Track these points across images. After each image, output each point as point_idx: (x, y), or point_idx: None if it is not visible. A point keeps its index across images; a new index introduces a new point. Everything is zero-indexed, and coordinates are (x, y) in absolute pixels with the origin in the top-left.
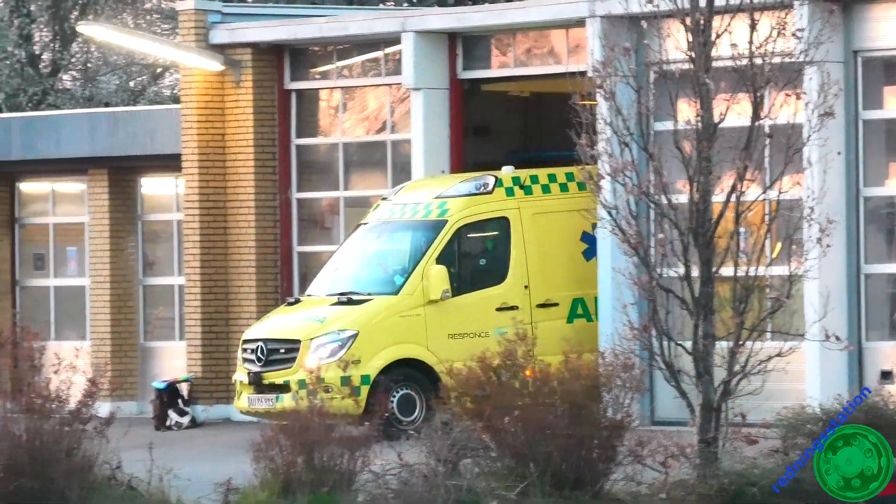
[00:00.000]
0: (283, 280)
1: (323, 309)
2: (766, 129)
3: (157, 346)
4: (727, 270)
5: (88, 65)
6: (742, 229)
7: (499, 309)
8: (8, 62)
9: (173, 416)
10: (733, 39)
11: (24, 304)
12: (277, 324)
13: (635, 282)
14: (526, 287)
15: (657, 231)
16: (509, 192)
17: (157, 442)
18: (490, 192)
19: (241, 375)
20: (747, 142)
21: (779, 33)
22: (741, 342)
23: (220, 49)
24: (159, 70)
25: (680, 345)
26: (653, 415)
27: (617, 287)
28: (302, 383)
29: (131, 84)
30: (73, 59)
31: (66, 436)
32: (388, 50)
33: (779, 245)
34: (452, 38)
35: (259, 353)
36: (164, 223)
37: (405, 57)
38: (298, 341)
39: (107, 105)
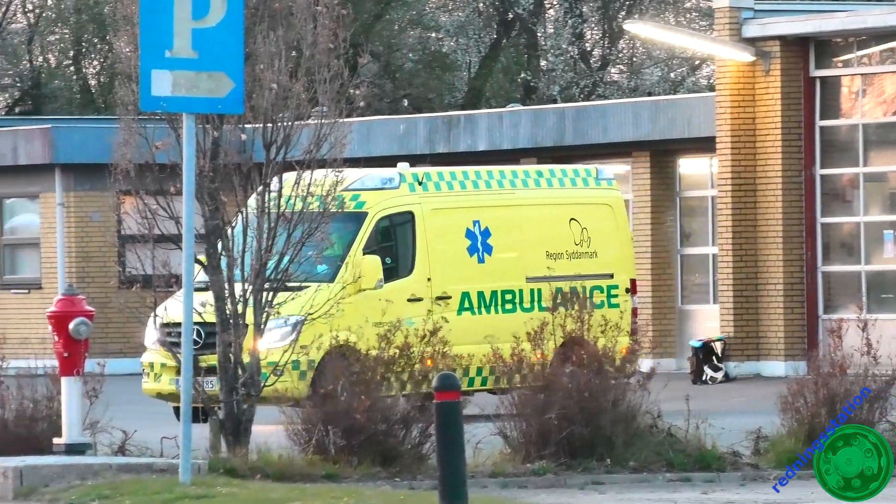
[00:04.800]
0: (808, 249)
1: None
2: None
3: (693, 309)
4: None
5: (634, 59)
6: None
7: (409, 300)
8: (562, 58)
9: (708, 372)
10: None
11: None
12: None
13: None
14: (429, 280)
15: None
16: (412, 187)
17: (694, 395)
18: (397, 188)
19: (157, 358)
20: None
21: None
22: None
23: (751, 42)
24: (697, 62)
25: None
26: None
27: None
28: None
29: (672, 75)
30: (620, 54)
31: (612, 389)
32: None
33: None
34: None
35: (196, 337)
36: (699, 199)
37: None
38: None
39: (649, 94)
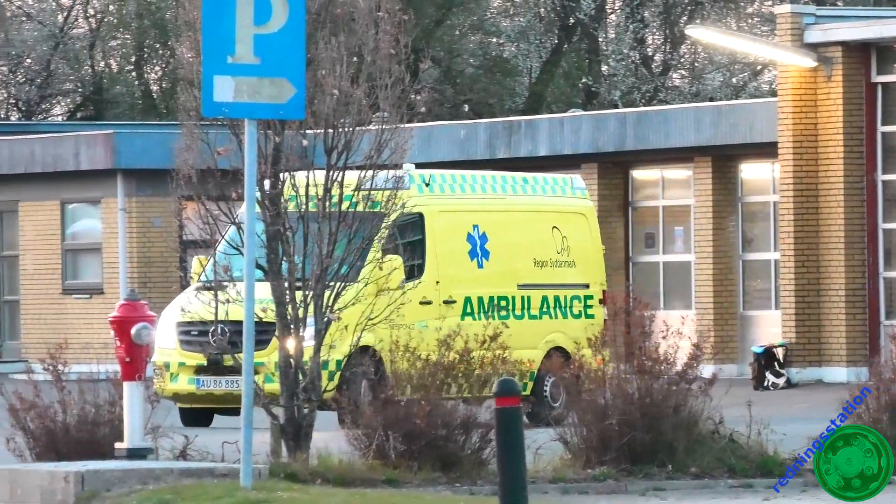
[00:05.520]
0: (870, 255)
1: None
2: None
3: (754, 315)
4: None
5: (695, 64)
6: None
7: (421, 303)
8: (624, 63)
9: (770, 378)
10: None
11: (636, 277)
12: (234, 307)
13: None
14: (437, 283)
15: None
16: (420, 188)
17: (755, 400)
18: (408, 188)
19: (173, 357)
20: None
21: None
22: None
23: (813, 47)
24: (759, 67)
25: None
26: None
27: None
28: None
29: (733, 80)
30: (681, 59)
31: (674, 394)
32: None
33: None
34: None
35: (220, 335)
36: (761, 204)
37: None
38: (272, 324)
39: (711, 100)
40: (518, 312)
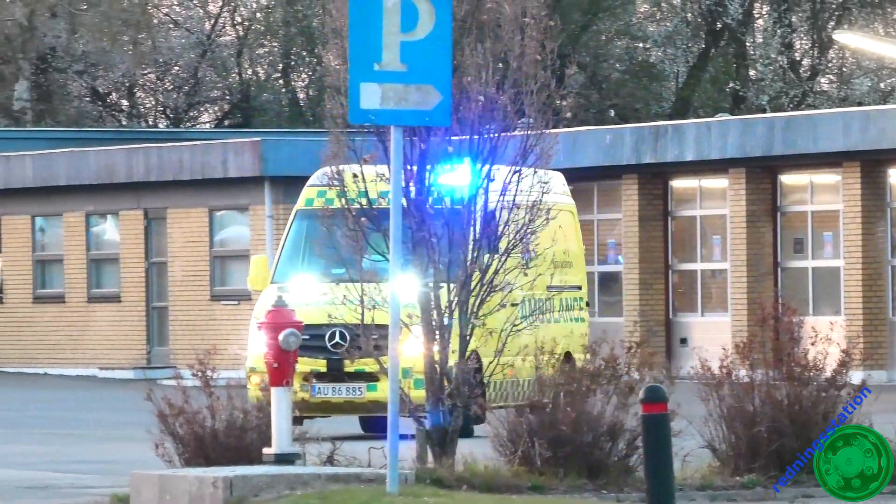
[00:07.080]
0: None
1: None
2: None
3: None
4: None
5: (843, 69)
6: None
7: (500, 304)
8: (772, 67)
9: None
10: None
11: (784, 283)
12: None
13: None
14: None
15: None
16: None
17: None
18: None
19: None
20: None
21: None
22: None
23: None
24: None
25: None
26: None
27: None
28: (406, 372)
29: (881, 85)
30: (829, 64)
31: (823, 401)
32: None
33: None
34: None
35: (339, 340)
36: None
37: None
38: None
39: (859, 104)
40: (547, 316)
